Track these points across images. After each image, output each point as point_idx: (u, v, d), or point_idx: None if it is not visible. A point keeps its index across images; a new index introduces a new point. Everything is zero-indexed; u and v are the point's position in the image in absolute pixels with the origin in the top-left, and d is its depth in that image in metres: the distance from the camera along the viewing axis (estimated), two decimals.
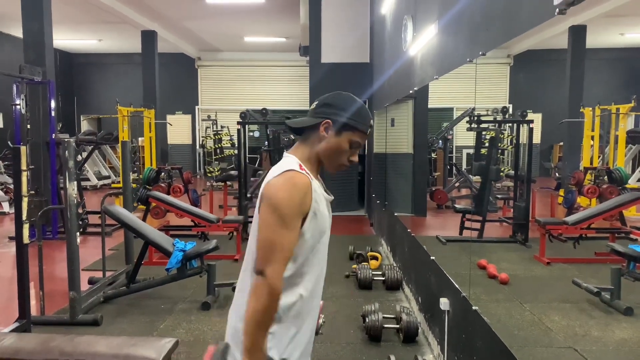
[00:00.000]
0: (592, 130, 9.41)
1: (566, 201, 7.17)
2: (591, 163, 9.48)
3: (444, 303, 2.97)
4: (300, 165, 1.48)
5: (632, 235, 6.42)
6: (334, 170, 1.58)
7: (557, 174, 11.77)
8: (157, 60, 12.98)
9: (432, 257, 3.50)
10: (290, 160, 1.50)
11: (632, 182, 9.36)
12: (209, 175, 13.82)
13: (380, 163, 7.52)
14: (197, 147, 16.81)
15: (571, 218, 5.81)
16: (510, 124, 9.89)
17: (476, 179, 9.24)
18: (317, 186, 1.49)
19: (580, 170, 8.28)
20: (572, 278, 4.92)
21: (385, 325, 3.67)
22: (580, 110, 10.02)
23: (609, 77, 14.71)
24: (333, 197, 1.59)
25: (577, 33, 11.16)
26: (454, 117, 11.29)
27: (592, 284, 4.52)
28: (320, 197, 1.50)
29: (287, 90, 16.48)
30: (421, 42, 3.97)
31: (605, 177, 7.09)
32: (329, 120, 1.50)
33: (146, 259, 5.03)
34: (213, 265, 4.49)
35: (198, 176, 16.39)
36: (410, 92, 4.47)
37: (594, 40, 11.85)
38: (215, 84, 17.18)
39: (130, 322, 4.10)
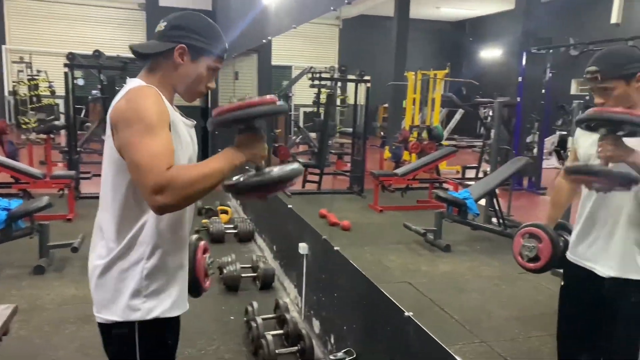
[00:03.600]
0: (414, 93, 10.45)
1: (394, 156, 7.94)
2: (413, 122, 10.56)
3: (303, 247, 3.11)
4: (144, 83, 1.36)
5: (445, 185, 7.42)
6: (191, 100, 1.47)
7: (382, 133, 12.88)
8: None
9: (290, 206, 3.61)
10: (133, 81, 1.37)
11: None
12: (24, 127, 11.99)
13: None
14: (6, 93, 14.37)
15: (400, 170, 6.48)
16: (348, 83, 10.41)
17: (314, 135, 9.68)
18: (172, 108, 1.38)
19: (405, 128, 9.21)
20: (400, 223, 5.53)
21: (243, 275, 3.73)
22: (404, 74, 11.01)
23: (428, 46, 16.36)
24: (195, 122, 1.48)
25: (402, 2, 12.12)
26: (292, 76, 11.54)
27: (418, 227, 5.16)
28: (178, 118, 1.38)
29: (120, 36, 14.77)
30: None
31: (426, 134, 8.00)
32: (183, 45, 1.36)
33: None
34: (46, 225, 4.00)
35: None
36: (264, 41, 4.43)
37: (416, 11, 13.01)
38: (29, 20, 14.64)
39: None
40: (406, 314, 1.86)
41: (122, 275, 1.35)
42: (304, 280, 3.14)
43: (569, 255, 2.02)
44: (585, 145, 1.89)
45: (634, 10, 10.72)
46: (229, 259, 3.79)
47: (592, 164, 1.76)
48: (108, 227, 1.36)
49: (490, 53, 15.46)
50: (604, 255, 1.85)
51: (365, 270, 2.45)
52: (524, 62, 8.24)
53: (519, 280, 4.16)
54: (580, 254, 1.94)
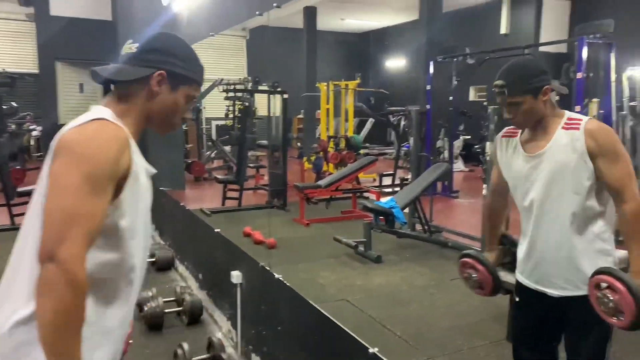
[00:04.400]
0: (327, 103, 10.46)
1: (315, 167, 7.82)
2: (329, 132, 10.54)
3: (237, 276, 2.83)
4: (113, 118, 1.11)
5: (367, 194, 7.42)
6: (164, 133, 1.27)
7: (298, 144, 12.78)
8: None
9: (217, 230, 3.30)
10: (100, 110, 1.12)
11: None
12: None
13: None
14: None
15: (323, 181, 6.36)
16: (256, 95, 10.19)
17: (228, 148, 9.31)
18: (136, 149, 1.14)
19: (322, 138, 9.16)
20: (329, 236, 5.39)
21: (167, 310, 3.34)
22: (316, 85, 11.01)
23: (336, 57, 16.59)
24: (155, 171, 1.25)
25: (310, 14, 12.17)
26: (201, 88, 11.05)
27: (347, 238, 5.04)
28: (141, 164, 1.15)
29: (7, 49, 13.21)
30: None
31: (344, 144, 7.97)
32: (163, 72, 1.17)
33: None
34: None
35: None
36: None
37: (322, 23, 13.12)
38: None
39: None
40: (371, 350, 1.66)
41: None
42: (238, 312, 2.85)
43: (518, 275, 1.96)
44: (509, 164, 1.86)
45: (520, 22, 11.58)
46: (150, 294, 3.38)
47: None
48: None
49: (396, 63, 15.99)
50: (551, 277, 1.80)
51: (302, 290, 2.26)
52: (431, 70, 8.52)
53: (451, 286, 4.16)
54: (527, 275, 1.89)
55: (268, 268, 2.54)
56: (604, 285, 1.60)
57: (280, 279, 2.39)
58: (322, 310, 2.11)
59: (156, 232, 5.26)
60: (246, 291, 2.81)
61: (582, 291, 1.72)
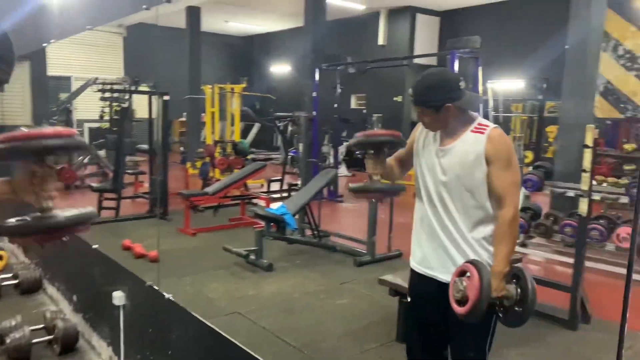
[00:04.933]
0: (213, 106, 10.15)
1: (201, 173, 7.52)
2: (215, 137, 10.23)
3: (119, 297, 2.58)
4: None
5: (256, 201, 7.32)
6: None
7: (181, 148, 12.25)
8: None
9: (95, 246, 2.99)
10: None
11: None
12: None
13: None
14: None
15: (211, 188, 6.13)
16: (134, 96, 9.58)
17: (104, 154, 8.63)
18: None
19: (208, 143, 8.85)
20: (217, 245, 5.20)
21: (35, 341, 2.95)
22: (201, 87, 10.65)
23: (221, 60, 16.23)
24: None
25: (193, 14, 11.75)
26: (72, 87, 10.16)
27: (236, 247, 4.90)
28: None
29: None
30: None
31: (231, 149, 7.79)
32: None
33: None
34: None
35: None
36: (45, 45, 3.65)
37: (206, 24, 12.75)
38: None
39: None
40: None
41: None
42: (121, 336, 2.60)
43: (412, 263, 2.03)
44: (425, 151, 1.95)
45: (396, 34, 12.28)
46: (13, 323, 2.96)
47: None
48: None
49: (281, 68, 16.06)
50: (445, 263, 1.89)
51: (190, 305, 2.13)
52: (317, 78, 8.66)
53: (341, 290, 4.23)
54: (420, 261, 1.98)
55: (156, 287, 2.35)
56: (467, 274, 1.72)
57: (171, 298, 2.22)
58: (214, 327, 1.99)
59: (20, 249, 4.66)
60: (130, 313, 2.57)
61: None
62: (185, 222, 5.87)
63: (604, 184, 5.22)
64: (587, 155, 3.38)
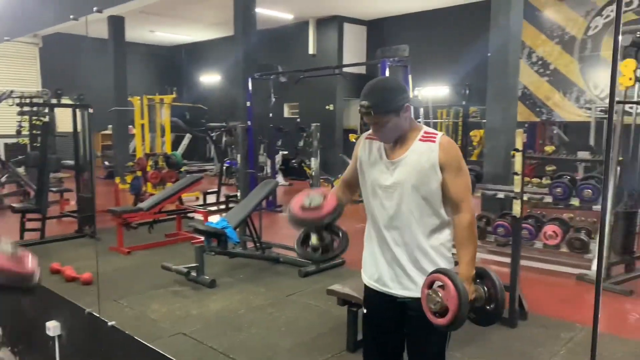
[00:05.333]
0: (142, 118, 9.77)
1: (133, 188, 7.19)
2: (145, 149, 9.84)
3: (54, 327, 2.39)
4: None
5: (193, 214, 7.10)
6: None
7: (107, 162, 11.67)
8: None
9: None
10: None
11: None
12: None
13: None
14: None
15: (145, 204, 5.87)
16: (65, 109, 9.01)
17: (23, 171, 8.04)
18: None
19: (132, 155, 8.48)
20: (155, 263, 4.99)
21: None
22: (128, 99, 10.23)
23: (148, 70, 15.68)
24: None
25: (117, 23, 11.27)
26: None
27: (175, 264, 4.71)
28: None
29: None
30: None
31: (164, 162, 7.52)
32: None
33: None
34: None
35: None
36: None
37: (131, 34, 12.26)
38: None
39: None
40: None
41: None
42: None
43: (364, 278, 2.04)
44: (372, 166, 1.95)
45: (325, 44, 12.46)
46: None
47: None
48: None
49: (211, 78, 15.77)
50: (399, 278, 1.90)
51: (131, 329, 2.01)
52: (250, 87, 8.58)
53: (288, 302, 4.18)
54: (376, 278, 1.98)
55: (97, 314, 2.19)
56: (437, 284, 1.72)
57: (115, 325, 2.07)
58: (160, 351, 1.89)
59: None
60: (67, 343, 2.38)
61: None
62: (119, 241, 5.57)
63: (529, 185, 5.53)
64: (518, 159, 3.57)
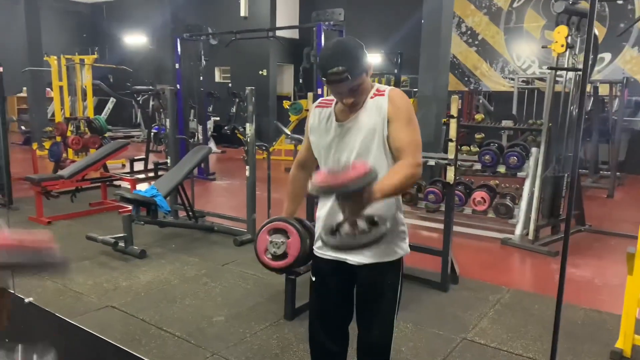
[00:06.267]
0: (60, 80, 9.05)
1: (52, 154, 6.67)
2: (64, 113, 9.16)
3: None
4: None
5: (119, 182, 6.74)
6: None
7: (23, 127, 10.79)
8: None
9: None
10: None
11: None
12: None
13: None
14: None
15: (66, 171, 5.48)
16: None
17: None
18: None
19: (52, 119, 7.88)
20: (78, 234, 4.72)
21: None
22: (44, 58, 9.42)
23: (67, 28, 14.51)
24: None
25: None
26: None
27: (101, 235, 4.46)
28: None
29: None
30: None
31: (86, 127, 7.04)
32: None
33: None
34: None
35: None
36: None
37: None
38: None
39: None
40: None
41: None
42: None
43: (317, 250, 1.98)
44: (324, 133, 1.86)
45: (257, 6, 12.06)
46: None
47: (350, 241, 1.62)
48: None
49: (136, 39, 14.85)
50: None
51: (53, 304, 1.86)
52: (178, 49, 8.16)
53: (223, 272, 4.09)
54: (328, 245, 1.91)
55: (11, 290, 1.99)
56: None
57: (33, 302, 1.90)
58: (82, 327, 1.76)
59: None
60: None
61: (378, 258, 1.83)
62: (38, 210, 5.19)
63: (459, 153, 5.69)
64: (453, 125, 3.62)
